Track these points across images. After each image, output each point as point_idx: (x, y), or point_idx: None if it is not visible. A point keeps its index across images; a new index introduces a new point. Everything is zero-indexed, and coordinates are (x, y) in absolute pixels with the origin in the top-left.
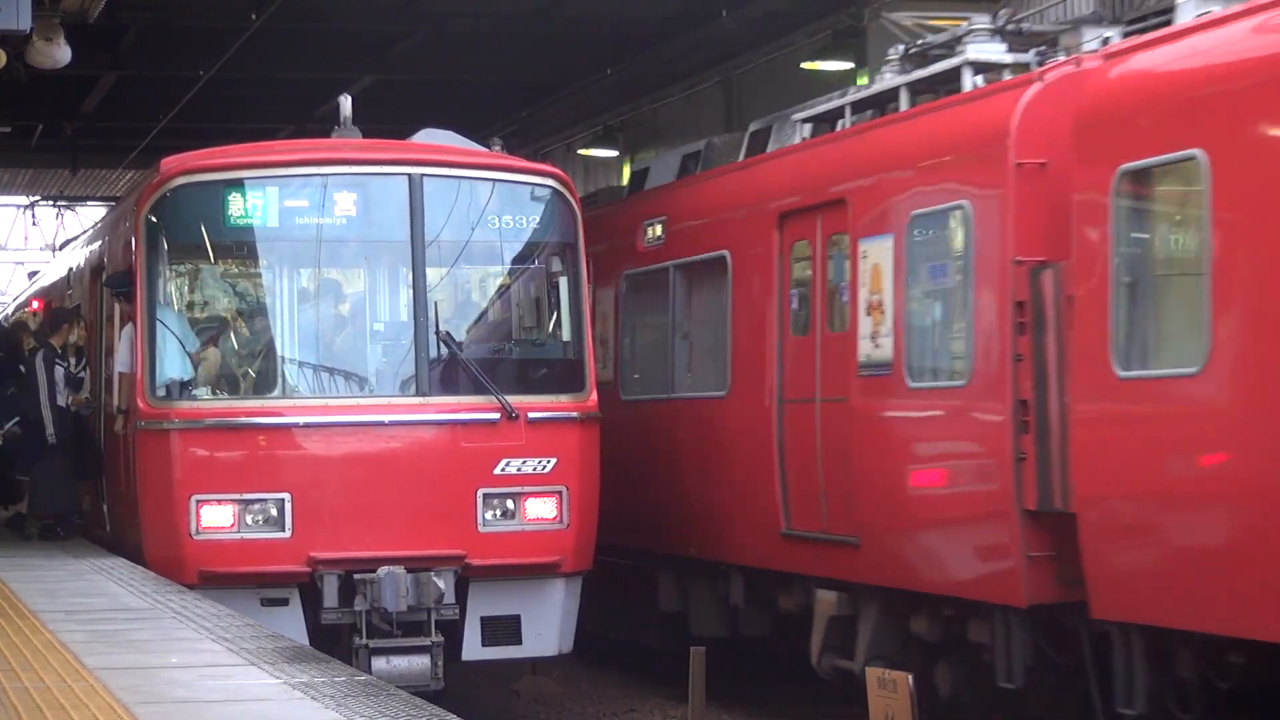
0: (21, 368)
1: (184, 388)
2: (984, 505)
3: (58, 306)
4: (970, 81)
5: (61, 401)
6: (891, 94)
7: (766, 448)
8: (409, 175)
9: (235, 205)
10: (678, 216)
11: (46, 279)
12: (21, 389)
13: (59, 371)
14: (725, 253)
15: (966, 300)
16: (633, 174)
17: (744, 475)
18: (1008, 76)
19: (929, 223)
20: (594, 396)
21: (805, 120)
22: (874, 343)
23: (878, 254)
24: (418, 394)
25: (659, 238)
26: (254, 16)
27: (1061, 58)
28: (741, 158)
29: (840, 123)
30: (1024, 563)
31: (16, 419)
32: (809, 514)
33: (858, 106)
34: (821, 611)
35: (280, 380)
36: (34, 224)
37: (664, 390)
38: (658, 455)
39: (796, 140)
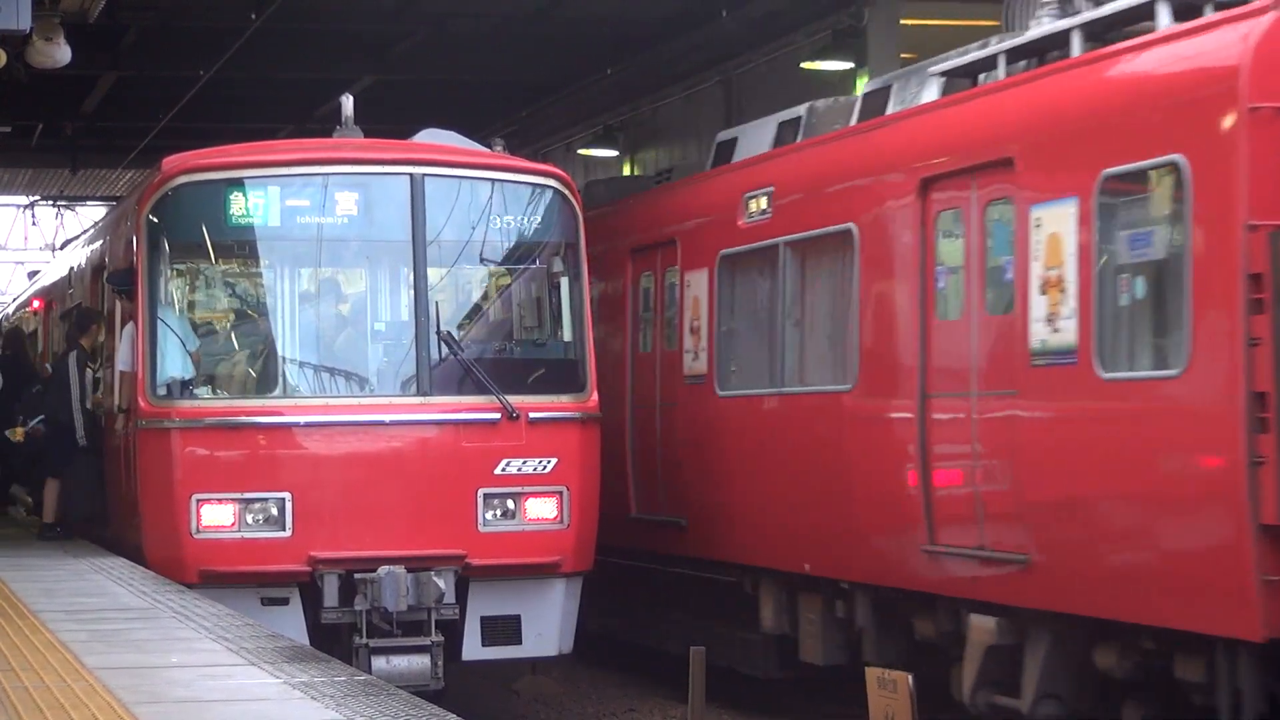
0: (49, 367)
1: (185, 387)
2: (1205, 519)
3: (85, 307)
4: (1165, 18)
5: (90, 404)
6: (1056, 39)
7: (904, 449)
8: (410, 175)
9: (236, 205)
10: (787, 188)
11: (47, 279)
12: (50, 390)
13: (89, 374)
14: (850, 226)
15: (1181, 274)
16: (718, 145)
17: (873, 481)
18: (1210, 13)
19: (1127, 183)
20: (595, 397)
21: (942, 74)
22: (1051, 326)
23: (1056, 221)
24: (418, 394)
25: (764, 212)
26: (254, 16)
27: None
28: (855, 121)
29: (982, 77)
30: (1260, 588)
31: (42, 417)
32: (961, 527)
33: (1013, 55)
34: (977, 640)
35: (281, 380)
36: (34, 224)
37: (770, 383)
38: (762, 457)
39: (929, 97)
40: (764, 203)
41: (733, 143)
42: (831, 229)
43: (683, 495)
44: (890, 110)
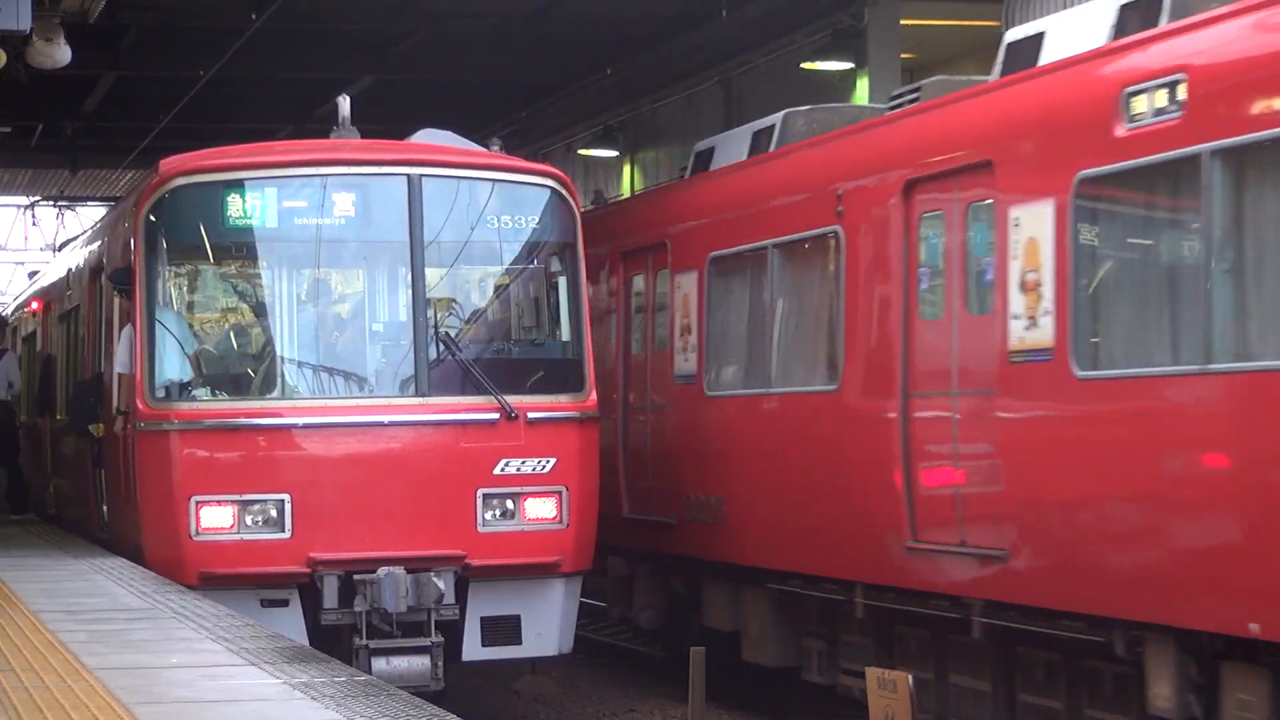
0: None
1: (183, 389)
2: None
3: None
4: None
5: None
6: None
7: None
8: (408, 176)
9: (234, 206)
10: (1220, 73)
11: (46, 279)
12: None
13: None
14: None
15: None
16: (1008, 46)
17: None
18: None
19: None
20: (593, 396)
21: None
22: None
23: None
24: (417, 394)
25: (1165, 111)
26: (254, 16)
27: None
28: None
29: None
30: None
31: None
32: None
33: None
34: None
35: (280, 381)
36: (34, 224)
37: (1178, 359)
38: (1160, 467)
39: None
40: (1165, 98)
41: (1036, 40)
42: None
43: (1002, 516)
44: None
